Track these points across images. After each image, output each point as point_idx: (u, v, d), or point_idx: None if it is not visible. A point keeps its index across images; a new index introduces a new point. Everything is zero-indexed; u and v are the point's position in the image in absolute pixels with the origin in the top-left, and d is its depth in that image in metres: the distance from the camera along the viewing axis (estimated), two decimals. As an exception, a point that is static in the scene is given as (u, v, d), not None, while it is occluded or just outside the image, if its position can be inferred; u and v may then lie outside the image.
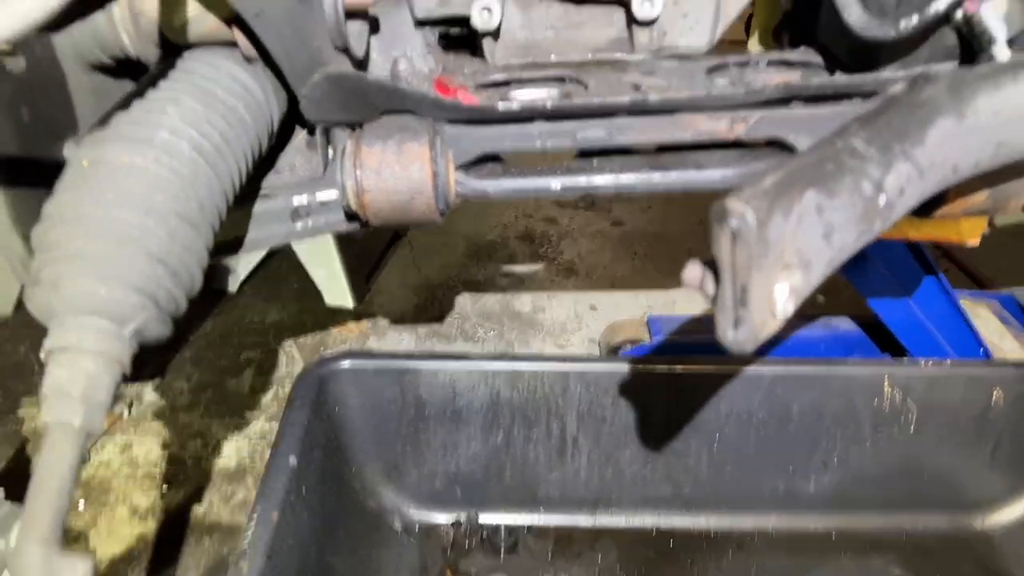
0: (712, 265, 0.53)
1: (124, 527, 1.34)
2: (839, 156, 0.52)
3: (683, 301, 1.90)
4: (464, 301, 1.93)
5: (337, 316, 1.87)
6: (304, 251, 1.85)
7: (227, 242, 0.86)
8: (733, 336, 0.52)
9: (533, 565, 1.28)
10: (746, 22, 1.17)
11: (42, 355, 0.56)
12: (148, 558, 1.28)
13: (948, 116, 0.57)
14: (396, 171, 0.77)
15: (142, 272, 0.57)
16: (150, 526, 1.34)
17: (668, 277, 1.98)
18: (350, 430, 1.29)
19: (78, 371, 0.54)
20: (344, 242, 1.87)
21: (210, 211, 0.64)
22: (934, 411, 1.27)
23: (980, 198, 0.72)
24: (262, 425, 1.58)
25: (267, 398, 1.65)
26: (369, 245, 2.01)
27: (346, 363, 1.28)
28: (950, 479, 1.32)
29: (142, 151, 0.60)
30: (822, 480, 1.32)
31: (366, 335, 1.85)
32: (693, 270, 0.54)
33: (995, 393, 1.26)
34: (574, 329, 1.83)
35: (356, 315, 1.87)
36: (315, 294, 1.88)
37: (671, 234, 2.13)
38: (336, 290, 1.88)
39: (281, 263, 2.02)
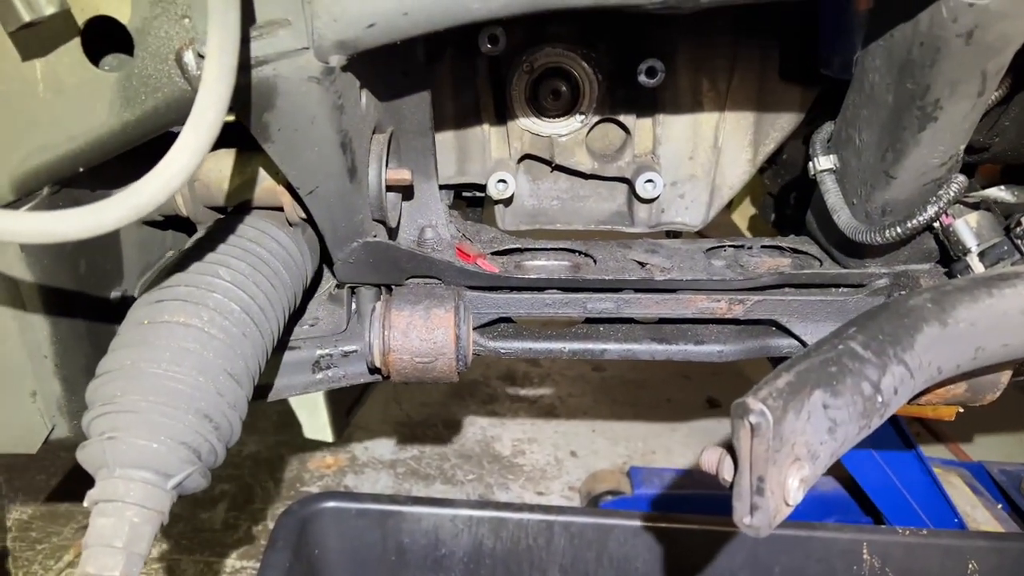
0: (728, 450, 0.58)
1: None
2: (841, 359, 0.59)
3: (662, 451, 1.93)
4: (444, 441, 1.94)
5: (315, 449, 1.86)
6: (288, 382, 1.87)
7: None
8: (750, 521, 0.55)
9: None
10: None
11: (86, 503, 0.58)
12: None
13: (933, 324, 0.64)
14: (422, 334, 0.82)
15: (191, 428, 0.60)
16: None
17: (647, 425, 2.02)
18: (330, 574, 1.27)
19: (123, 522, 0.56)
20: (329, 375, 1.89)
21: (253, 367, 0.67)
22: (910, 580, 1.30)
23: (959, 390, 0.79)
24: (234, 562, 1.54)
25: (240, 533, 1.62)
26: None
27: (329, 503, 1.28)
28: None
29: (198, 312, 0.64)
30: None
31: (343, 471, 1.84)
32: (711, 455, 0.58)
33: (970, 565, 1.30)
34: (554, 475, 1.84)
35: (334, 450, 1.87)
36: (293, 426, 1.88)
37: (651, 382, 2.19)
38: (316, 424, 1.88)
39: (262, 392, 2.03)
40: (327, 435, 1.88)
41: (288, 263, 0.76)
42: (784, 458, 0.54)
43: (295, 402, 1.88)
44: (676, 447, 1.93)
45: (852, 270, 0.87)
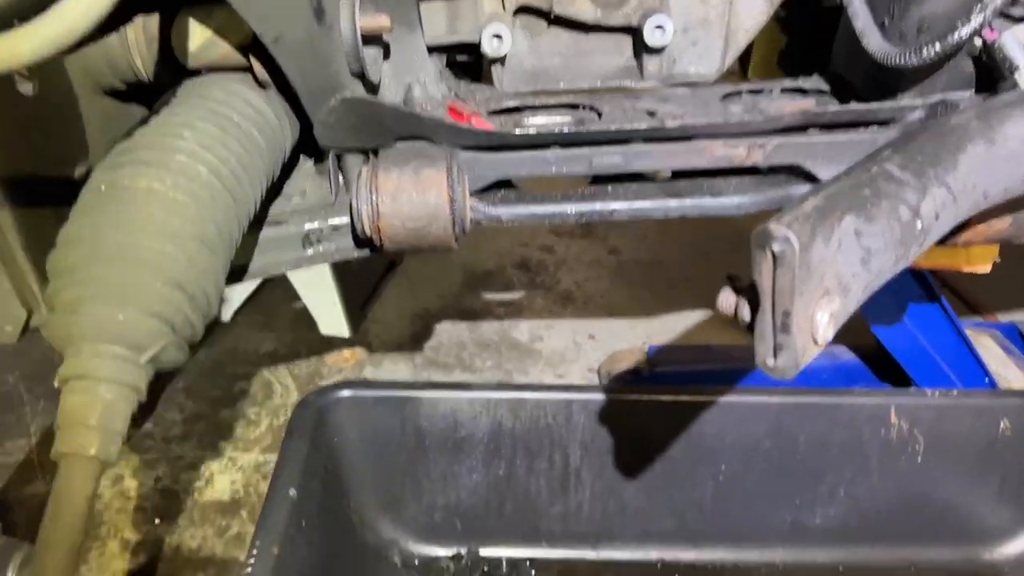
0: (746, 292, 0.52)
1: (115, 562, 1.29)
2: (875, 182, 0.52)
3: (682, 330, 1.89)
4: (461, 330, 1.91)
5: (332, 345, 1.84)
6: (300, 280, 1.83)
7: (232, 270, 0.84)
8: (773, 363, 0.50)
9: (537, 600, 1.25)
10: (742, 55, 1.17)
11: (56, 382, 0.54)
12: (138, 595, 1.24)
13: (979, 143, 0.57)
14: (413, 197, 0.76)
15: (161, 297, 0.55)
16: (141, 561, 1.30)
17: (666, 305, 1.98)
18: (349, 461, 1.26)
19: (95, 399, 0.52)
20: (340, 271, 1.85)
21: (227, 236, 0.62)
22: (941, 442, 1.26)
23: (1003, 225, 0.72)
24: (256, 457, 1.54)
25: (261, 429, 1.61)
26: (365, 274, 1.99)
27: (346, 392, 1.26)
28: (957, 510, 1.30)
29: (160, 176, 0.58)
30: (828, 512, 1.30)
31: (361, 364, 1.82)
32: (727, 297, 0.53)
33: (1002, 423, 1.26)
34: (573, 359, 1.81)
35: (351, 344, 1.85)
36: (310, 323, 1.86)
37: (668, 262, 2.13)
38: (332, 319, 1.86)
39: (275, 292, 2.00)
40: (344, 330, 1.86)
41: (262, 126, 0.70)
42: (812, 290, 0.49)
43: (309, 300, 1.85)
44: (696, 325, 1.89)
45: (883, 103, 0.79)
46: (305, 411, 1.22)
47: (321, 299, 1.84)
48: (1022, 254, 1.71)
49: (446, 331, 1.90)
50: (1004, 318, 1.77)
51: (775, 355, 0.50)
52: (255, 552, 0.99)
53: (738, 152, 0.81)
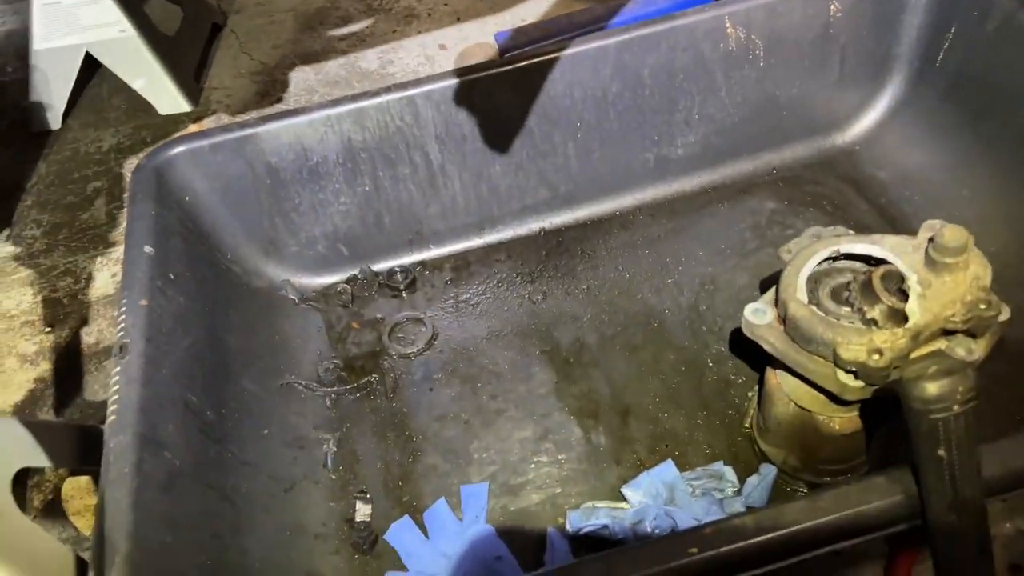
0: None
1: (18, 375, 1.30)
2: None
3: (531, 20, 1.82)
4: (306, 74, 1.81)
5: (176, 124, 1.74)
6: (118, 66, 1.69)
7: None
8: None
9: (435, 294, 1.30)
10: None
11: None
12: (53, 395, 1.25)
13: None
14: None
15: None
16: (45, 367, 1.30)
17: (512, -3, 1.89)
18: (209, 217, 1.23)
19: None
20: (159, 46, 1.71)
21: None
22: (778, 39, 1.28)
23: None
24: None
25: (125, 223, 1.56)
26: (187, 42, 1.83)
27: (180, 148, 1.20)
28: (806, 106, 1.35)
29: None
30: (688, 140, 1.34)
31: (214, 135, 1.73)
32: None
33: (832, 6, 1.27)
34: (428, 72, 1.75)
35: (195, 118, 1.75)
36: (146, 108, 1.74)
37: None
38: (166, 97, 1.74)
39: (101, 88, 1.85)
40: (182, 105, 1.75)
41: None
42: None
43: (137, 84, 1.72)
44: (544, 9, 1.82)
45: None
46: (142, 174, 1.17)
47: (147, 79, 1.71)
48: None
49: (292, 80, 1.80)
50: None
51: None
52: (123, 306, 0.99)
53: None
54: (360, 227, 1.32)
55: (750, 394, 1.07)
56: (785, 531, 0.66)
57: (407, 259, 1.35)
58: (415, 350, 1.21)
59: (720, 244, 1.27)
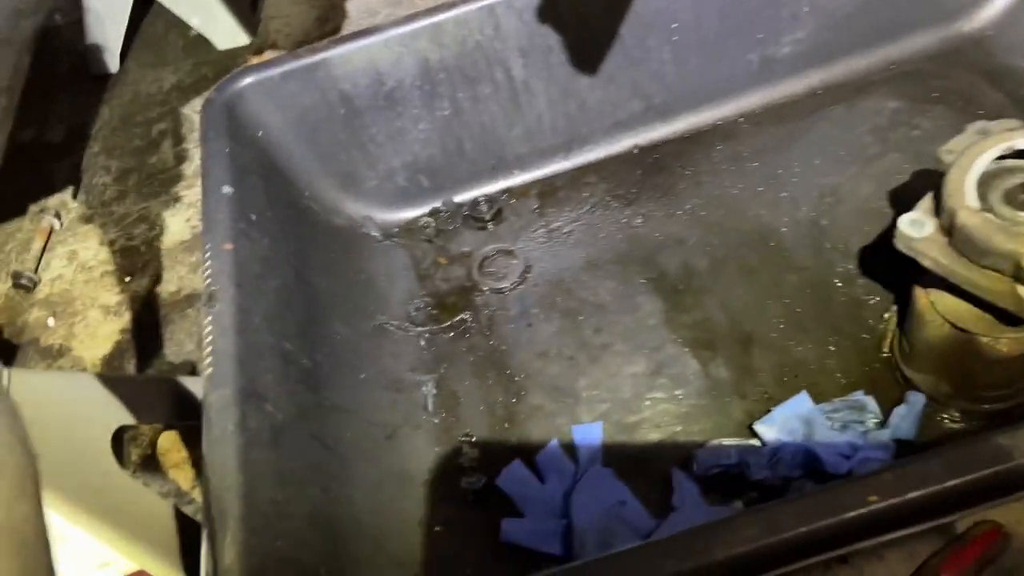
0: None
1: (103, 327, 1.27)
2: None
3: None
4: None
5: (236, 58, 1.67)
6: (173, 2, 1.61)
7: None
8: None
9: (523, 223, 1.21)
10: None
11: None
12: (136, 346, 1.22)
13: None
14: None
15: None
16: (127, 318, 1.27)
17: None
18: (284, 151, 1.16)
19: None
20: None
21: None
22: (901, -87, 1.12)
23: None
24: (199, 190, 1.45)
25: (196, 163, 1.51)
26: (240, -29, 1.74)
27: (249, 79, 1.12)
28: (928, -12, 1.20)
29: None
30: (796, 36, 1.21)
31: (276, 66, 1.66)
32: None
33: None
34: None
35: (256, 50, 1.67)
36: (205, 44, 1.67)
37: None
38: (224, 31, 1.66)
39: (156, 26, 1.78)
40: (242, 38, 1.67)
41: None
42: None
43: (194, 20, 1.64)
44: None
45: None
46: (212, 110, 1.10)
47: (204, 14, 1.63)
48: None
49: (352, 1, 1.70)
50: None
51: None
52: (208, 252, 0.93)
53: None
54: (440, 155, 1.23)
55: (886, 315, 0.97)
56: (986, 471, 0.57)
57: (491, 188, 1.26)
58: (508, 284, 1.14)
59: (838, 151, 1.14)
